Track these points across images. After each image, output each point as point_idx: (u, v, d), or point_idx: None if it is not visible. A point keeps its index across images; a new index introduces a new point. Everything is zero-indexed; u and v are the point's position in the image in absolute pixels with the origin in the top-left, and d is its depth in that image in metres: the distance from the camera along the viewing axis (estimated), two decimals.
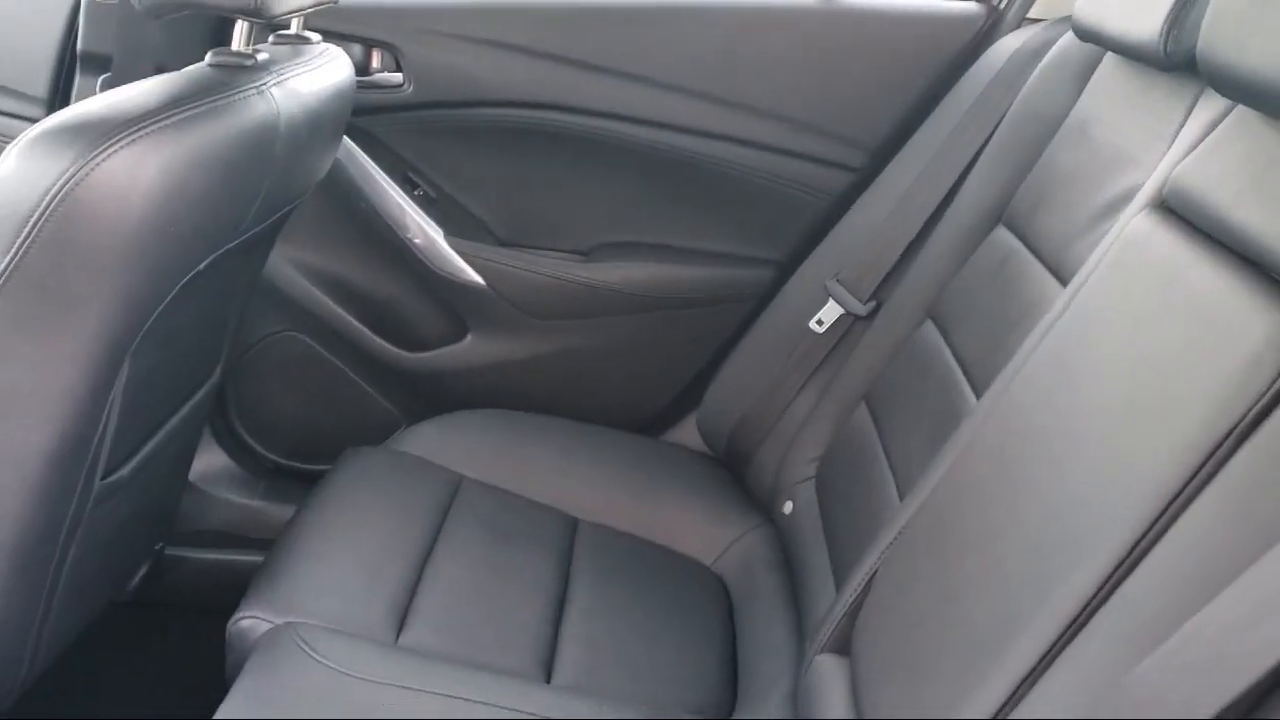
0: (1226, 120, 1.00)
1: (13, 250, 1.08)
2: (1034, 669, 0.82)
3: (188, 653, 1.61)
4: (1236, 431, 0.76)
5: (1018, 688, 0.83)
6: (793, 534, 1.60)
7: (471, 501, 1.63)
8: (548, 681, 1.31)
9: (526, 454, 1.77)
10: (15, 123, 1.81)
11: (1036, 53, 1.56)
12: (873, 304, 1.67)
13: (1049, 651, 0.81)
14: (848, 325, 1.69)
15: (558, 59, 1.78)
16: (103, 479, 1.29)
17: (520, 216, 1.88)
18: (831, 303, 1.70)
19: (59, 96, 1.79)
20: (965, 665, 0.89)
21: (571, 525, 1.65)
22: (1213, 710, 0.68)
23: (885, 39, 1.77)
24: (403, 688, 1.18)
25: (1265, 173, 0.88)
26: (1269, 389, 0.76)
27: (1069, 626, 0.81)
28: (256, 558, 1.48)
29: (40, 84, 1.80)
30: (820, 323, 1.71)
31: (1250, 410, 0.76)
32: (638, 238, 1.89)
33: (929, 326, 1.51)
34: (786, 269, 1.82)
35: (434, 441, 1.76)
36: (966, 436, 1.12)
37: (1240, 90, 0.88)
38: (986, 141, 1.57)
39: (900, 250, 1.65)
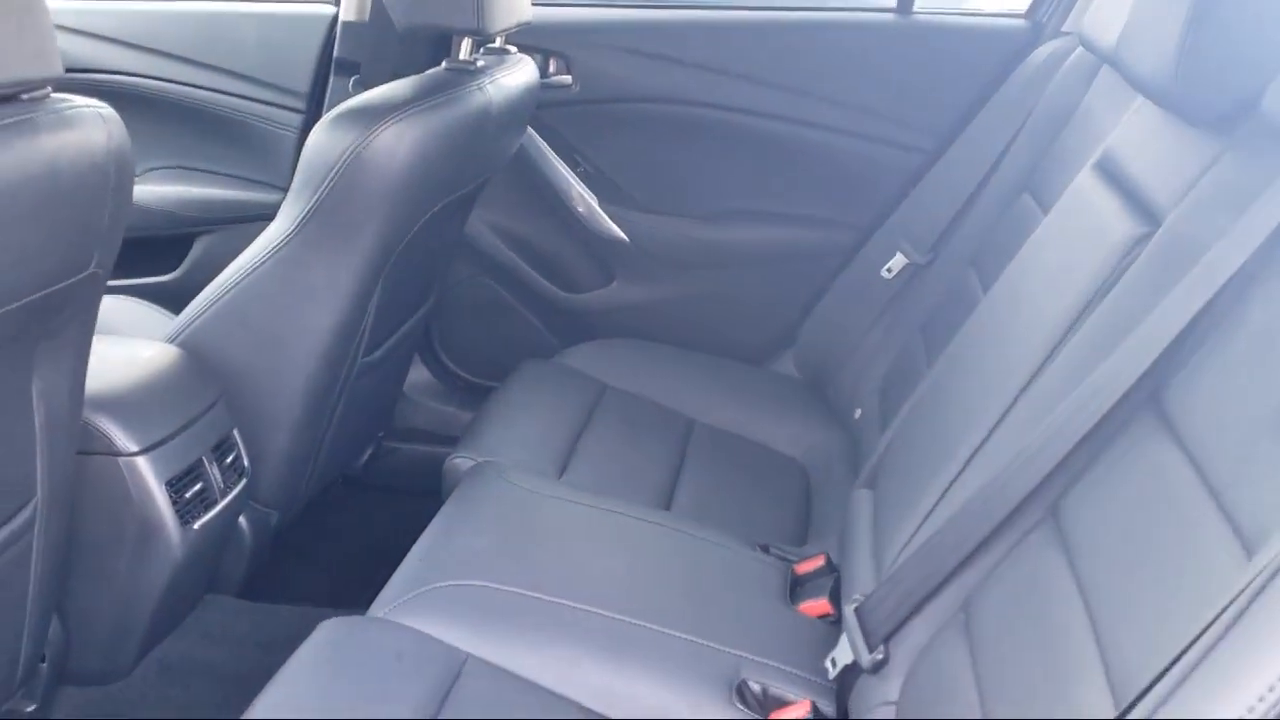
0: (1145, 104, 1.43)
1: (319, 191, 1.63)
2: (981, 442, 1.28)
3: (395, 523, 2.11)
4: (1095, 297, 1.21)
5: (971, 456, 1.29)
6: (860, 433, 2.05)
7: (613, 402, 2.13)
8: (669, 507, 1.81)
9: (655, 372, 2.26)
10: (284, 112, 2.39)
11: (1062, 59, 1.98)
12: (931, 255, 2.11)
13: (991, 430, 1.27)
14: (910, 273, 2.14)
15: (691, 65, 2.27)
16: (363, 357, 1.84)
17: (658, 188, 2.38)
18: (899, 254, 2.15)
19: (317, 92, 2.35)
20: (939, 452, 1.35)
21: (689, 423, 2.14)
22: (1072, 442, 1.14)
23: (950, 47, 2.21)
24: (566, 500, 1.69)
25: (1150, 136, 1.31)
26: (1112, 272, 1.20)
27: (1003, 414, 1.26)
28: (448, 450, 1.95)
29: (303, 82, 2.35)
30: (890, 270, 2.16)
31: (1102, 285, 1.20)
32: (750, 205, 2.36)
33: (971, 273, 1.94)
34: (866, 230, 2.27)
35: (585, 360, 2.27)
36: (970, 323, 1.58)
37: (1128, 78, 1.32)
38: (1021, 129, 2.00)
39: (953, 213, 2.09)
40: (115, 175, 1.17)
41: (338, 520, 2.18)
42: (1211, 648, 0.67)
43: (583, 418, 2.04)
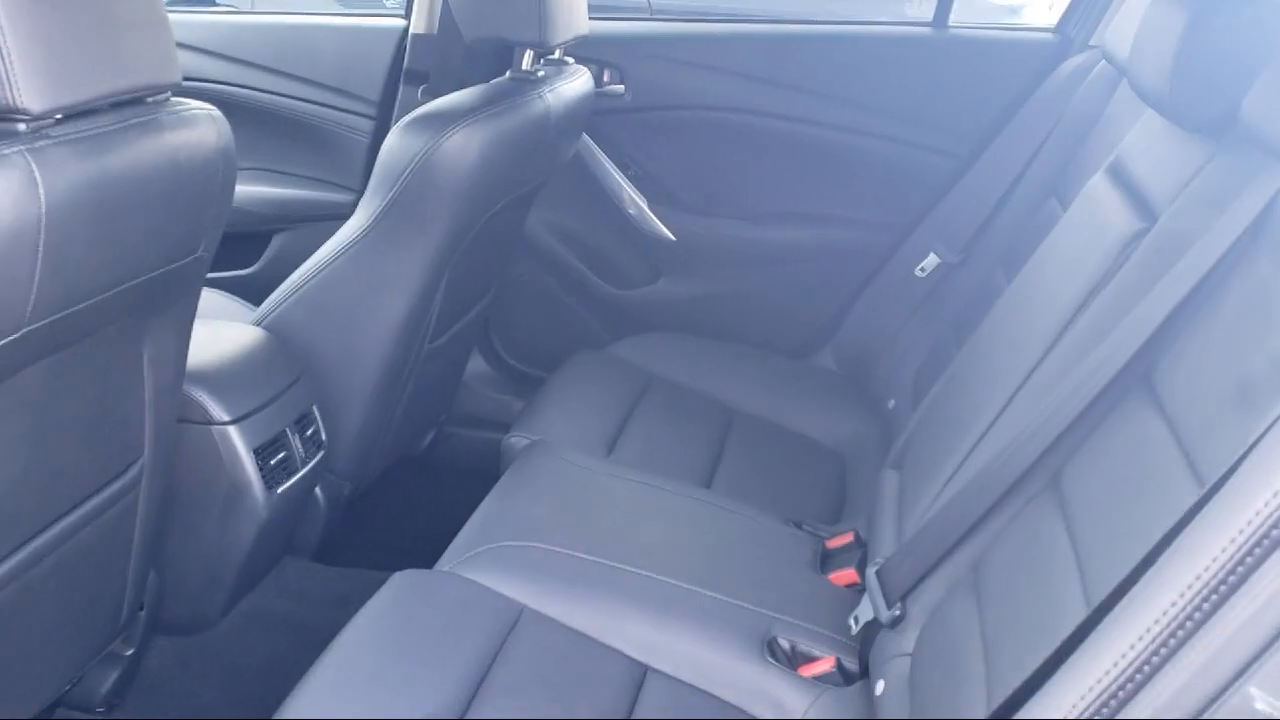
0: (1153, 113, 1.55)
1: (393, 190, 1.79)
2: (992, 422, 1.41)
3: (455, 498, 2.24)
4: (1097, 287, 1.33)
5: (983, 435, 1.42)
6: (893, 421, 2.17)
7: (659, 391, 2.26)
8: (709, 485, 1.94)
9: (700, 364, 2.39)
10: (356, 119, 2.55)
11: (1087, 71, 2.09)
12: (962, 256, 2.23)
13: (1001, 410, 1.40)
14: (942, 272, 2.26)
15: (737, 74, 2.41)
16: (429, 343, 2.00)
17: (705, 190, 2.51)
18: (931, 254, 2.27)
19: (387, 100, 2.51)
20: (956, 432, 1.48)
21: (731, 412, 2.26)
22: (1070, 418, 1.26)
23: (983, 58, 2.33)
24: (615, 476, 1.83)
25: (1154, 142, 1.43)
26: (1112, 264, 1.32)
27: (1012, 395, 1.39)
28: (504, 435, 2.08)
29: (375, 91, 2.51)
30: (923, 270, 2.28)
31: (1103, 276, 1.32)
32: (792, 207, 2.49)
33: (999, 272, 2.06)
34: (902, 232, 2.40)
35: (633, 352, 2.40)
36: (990, 315, 1.71)
37: (1135, 87, 1.44)
38: (1048, 137, 2.11)
39: (984, 216, 2.20)
40: (222, 170, 1.33)
41: (403, 495, 2.34)
42: (1162, 565, 0.79)
43: (630, 404, 2.17)
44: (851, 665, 1.51)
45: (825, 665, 1.50)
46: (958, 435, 1.50)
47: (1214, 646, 0.68)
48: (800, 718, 1.43)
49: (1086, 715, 0.74)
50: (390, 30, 2.50)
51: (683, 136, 2.47)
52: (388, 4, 3.03)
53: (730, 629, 1.52)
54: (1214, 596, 0.69)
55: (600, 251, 2.58)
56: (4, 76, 1.03)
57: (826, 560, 1.77)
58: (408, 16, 2.43)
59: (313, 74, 2.57)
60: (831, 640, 1.54)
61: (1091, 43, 2.25)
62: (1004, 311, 1.66)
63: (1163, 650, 0.71)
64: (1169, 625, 0.70)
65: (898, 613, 1.41)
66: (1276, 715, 0.71)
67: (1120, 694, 0.72)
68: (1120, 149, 1.57)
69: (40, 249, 1.05)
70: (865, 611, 1.48)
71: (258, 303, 1.97)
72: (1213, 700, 0.67)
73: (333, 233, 1.89)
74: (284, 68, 2.59)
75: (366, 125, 2.53)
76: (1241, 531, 0.70)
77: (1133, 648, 0.72)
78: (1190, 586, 0.70)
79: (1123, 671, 0.72)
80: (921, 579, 1.39)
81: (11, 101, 1.04)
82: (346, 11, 2.70)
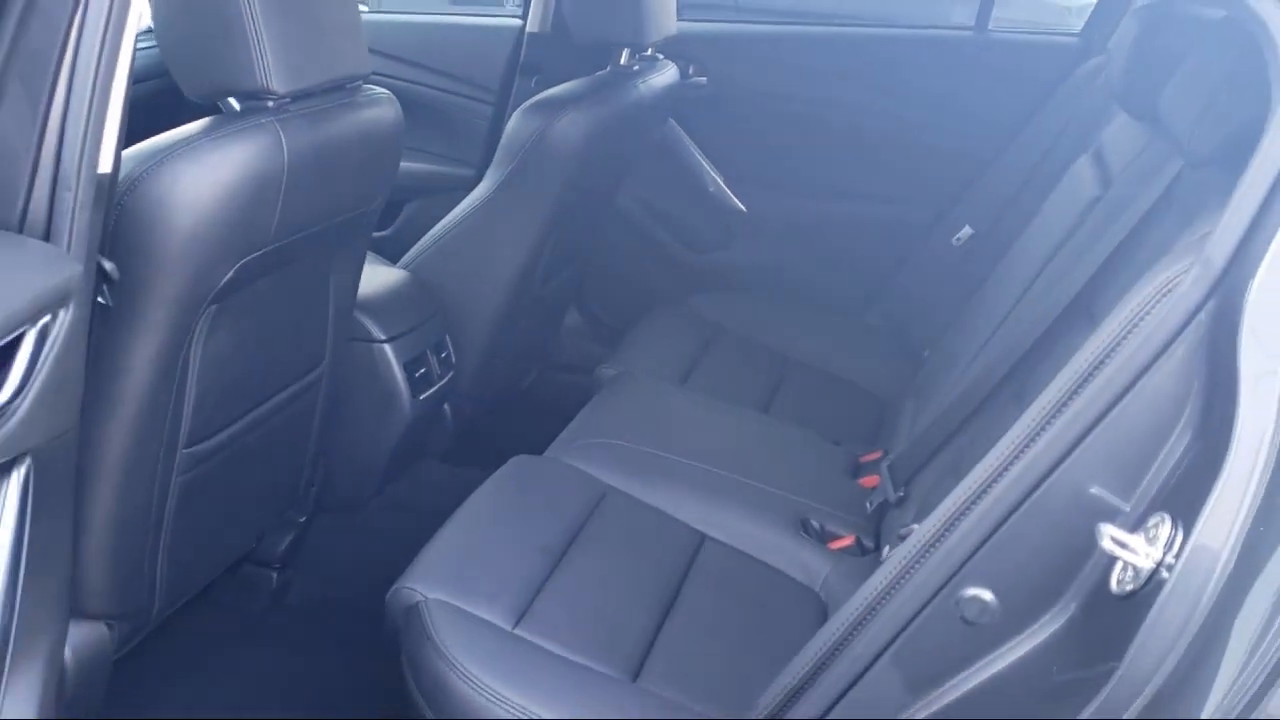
0: None
1: (513, 164, 2.22)
2: (979, 350, 1.79)
3: (553, 423, 2.60)
4: (1061, 244, 1.71)
5: (971, 361, 1.80)
6: (925, 366, 2.54)
7: (727, 341, 2.66)
8: (766, 411, 2.35)
9: (763, 318, 2.77)
10: (477, 104, 2.98)
11: (1102, 70, 2.43)
12: (991, 227, 2.59)
13: (986, 341, 1.78)
14: (975, 241, 2.63)
15: (805, 70, 2.80)
16: (539, 287, 2.43)
17: (773, 168, 2.90)
18: (966, 227, 2.64)
19: (505, 89, 2.94)
20: (956, 362, 1.86)
21: (788, 360, 2.65)
22: (1030, 342, 1.64)
23: (1017, 58, 2.69)
24: (685, 397, 2.25)
25: (1121, 130, 1.80)
26: (1075, 223, 1.70)
27: (999, 325, 1.77)
28: (587, 378, 2.51)
29: (494, 80, 2.93)
30: (958, 239, 2.65)
31: (1068, 233, 1.70)
32: (848, 185, 2.87)
33: (1020, 241, 2.42)
34: (942, 207, 2.76)
35: (707, 307, 2.80)
36: (995, 271, 2.08)
37: (1109, 83, 1.80)
38: (1066, 126, 2.46)
39: (1010, 193, 2.56)
40: (396, 139, 1.77)
41: (513, 417, 2.76)
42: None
43: (702, 348, 2.58)
44: (868, 543, 1.90)
45: (847, 541, 1.90)
46: (956, 362, 1.89)
47: (1050, 438, 1.06)
48: (822, 579, 1.83)
49: (965, 503, 1.13)
50: (509, 29, 2.92)
51: (756, 122, 2.87)
52: (506, 5, 3.47)
53: (772, 510, 1.92)
54: (1059, 410, 1.08)
55: (681, 221, 2.98)
56: (261, 67, 1.47)
57: (858, 470, 2.16)
58: (524, 17, 2.85)
59: (443, 66, 2.97)
60: (854, 524, 1.93)
61: (1110, 46, 2.59)
62: (1003, 267, 2.04)
63: (1030, 445, 1.09)
64: (1031, 431, 1.09)
65: (902, 494, 1.80)
66: (1106, 497, 1.09)
67: (998, 479, 1.11)
68: (1102, 135, 1.94)
69: (282, 190, 1.50)
70: (878, 495, 1.87)
71: (392, 260, 2.40)
72: (1049, 474, 1.05)
73: (454, 202, 2.30)
74: (418, 59, 3.00)
75: (486, 110, 2.94)
76: (1094, 351, 1.08)
77: (1008, 446, 1.10)
78: (1051, 400, 1.08)
79: (998, 464, 1.11)
80: (920, 468, 1.78)
81: (266, 85, 1.48)
82: (472, 12, 3.13)
